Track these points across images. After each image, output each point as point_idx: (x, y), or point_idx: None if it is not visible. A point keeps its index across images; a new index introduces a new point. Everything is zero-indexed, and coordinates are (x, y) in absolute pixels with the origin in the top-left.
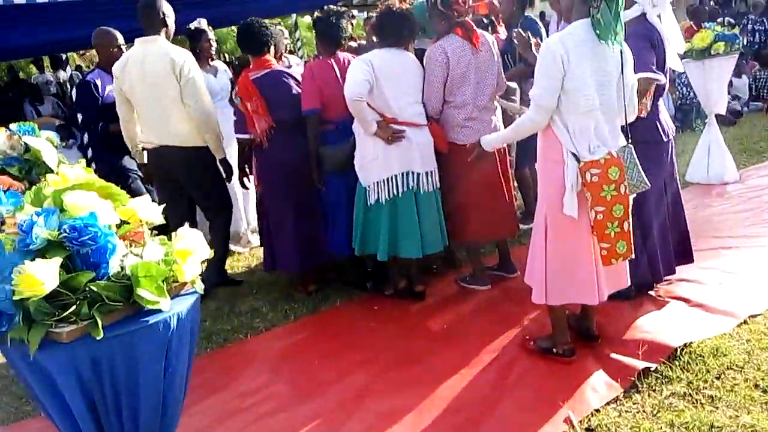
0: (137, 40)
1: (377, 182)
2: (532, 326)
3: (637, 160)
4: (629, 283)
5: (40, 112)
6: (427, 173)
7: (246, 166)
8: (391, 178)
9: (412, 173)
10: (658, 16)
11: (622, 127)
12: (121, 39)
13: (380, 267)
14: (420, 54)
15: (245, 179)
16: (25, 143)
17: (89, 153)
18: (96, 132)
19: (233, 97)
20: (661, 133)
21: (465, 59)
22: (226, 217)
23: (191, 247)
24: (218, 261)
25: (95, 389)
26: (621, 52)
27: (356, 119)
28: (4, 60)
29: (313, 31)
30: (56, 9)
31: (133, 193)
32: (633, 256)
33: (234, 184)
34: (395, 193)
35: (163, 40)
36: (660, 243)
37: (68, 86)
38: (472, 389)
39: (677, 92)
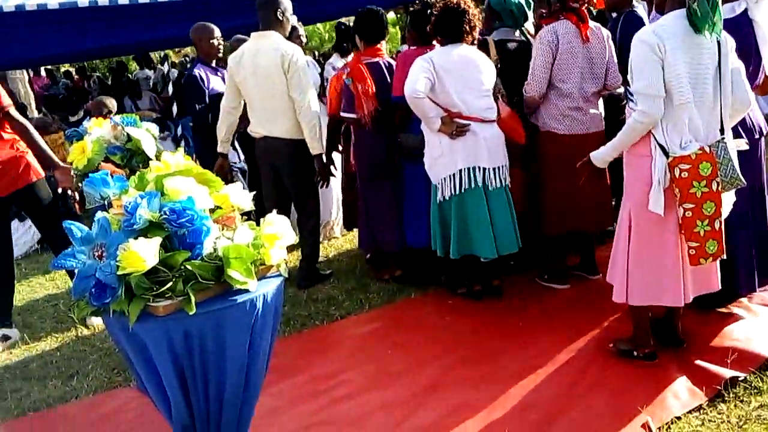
0: (253, 35)
1: (444, 178)
2: (612, 328)
3: (732, 156)
4: (719, 287)
5: (138, 107)
6: (495, 169)
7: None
8: (457, 173)
9: (479, 168)
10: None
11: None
12: (218, 32)
13: (456, 262)
14: (501, 45)
15: (332, 167)
16: (128, 134)
17: (182, 143)
18: (206, 123)
19: (345, 77)
20: (742, 131)
21: (575, 46)
22: (316, 219)
23: (278, 232)
24: (310, 262)
25: (185, 361)
26: (719, 44)
27: (419, 117)
28: (105, 57)
29: (401, 25)
30: (158, 8)
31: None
32: (725, 257)
33: None
34: (461, 189)
35: (277, 36)
36: (758, 248)
37: (163, 82)
38: (545, 389)
39: None
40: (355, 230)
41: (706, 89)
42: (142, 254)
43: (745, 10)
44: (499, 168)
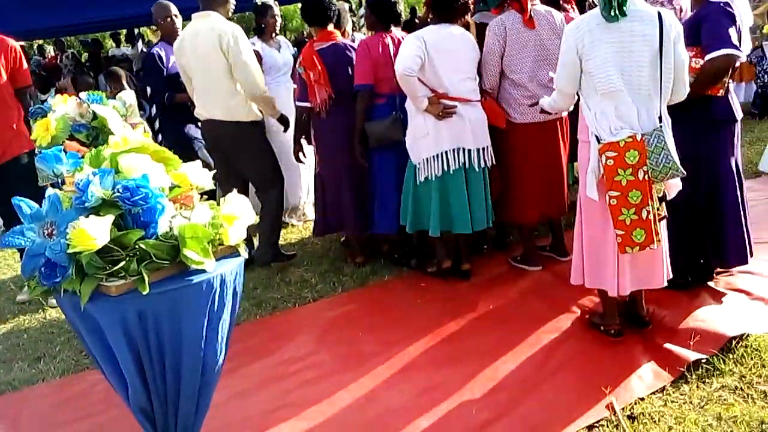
0: (193, 16)
1: (427, 159)
2: (582, 310)
3: (668, 145)
4: (665, 283)
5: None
6: (479, 150)
7: (303, 136)
8: (442, 155)
9: (463, 149)
10: None
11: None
12: (174, 10)
13: (425, 245)
14: (482, 28)
15: (300, 154)
16: (93, 111)
17: (156, 124)
18: (162, 102)
19: (297, 66)
20: (735, 112)
21: (522, 35)
22: (276, 197)
23: (237, 212)
24: (269, 239)
25: (141, 342)
26: (661, 30)
27: (407, 95)
28: (80, 33)
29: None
30: None
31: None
32: (655, 247)
33: (291, 157)
34: (445, 169)
35: (216, 16)
36: (739, 227)
37: (139, 60)
38: (516, 369)
39: (759, 79)
40: None
41: (641, 76)
42: (92, 232)
43: None
44: (482, 149)
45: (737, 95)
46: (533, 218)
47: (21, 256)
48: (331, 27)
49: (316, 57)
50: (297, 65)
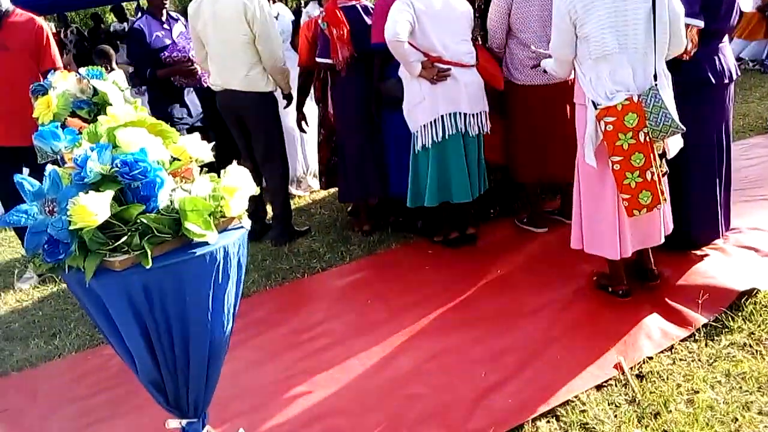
0: None
1: (424, 125)
2: (588, 272)
3: (666, 102)
4: (662, 240)
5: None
6: (474, 114)
7: (318, 98)
8: (438, 119)
9: (460, 114)
10: None
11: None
12: None
13: (433, 210)
14: None
15: (303, 123)
16: (94, 87)
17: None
18: (144, 78)
19: (320, 21)
20: (710, 74)
21: None
22: (281, 173)
23: (238, 183)
24: (282, 221)
25: (147, 315)
26: None
27: (399, 61)
28: (80, 8)
29: None
30: None
31: None
32: (662, 206)
33: (289, 129)
34: (442, 135)
35: None
36: (709, 197)
37: None
38: (523, 332)
39: None
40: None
41: (637, 35)
42: (92, 208)
43: None
44: (479, 114)
45: (752, 53)
46: (533, 179)
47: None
48: None
49: (340, 13)
50: (320, 21)
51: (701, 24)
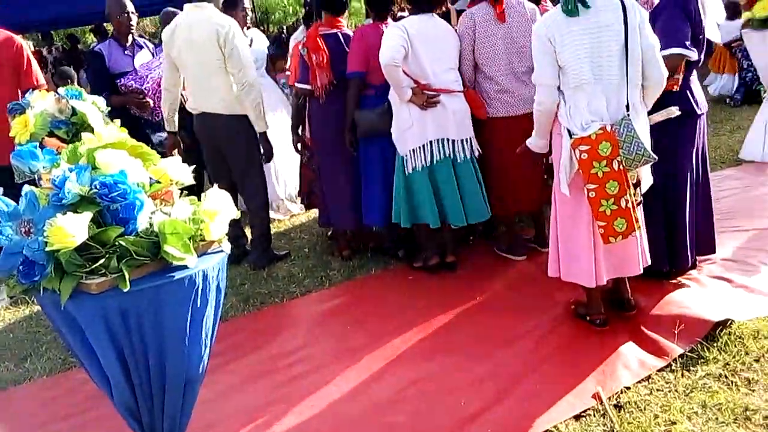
0: (186, 6)
1: (413, 150)
2: (566, 300)
3: (639, 132)
4: (641, 271)
5: None
6: (463, 140)
7: (300, 126)
8: (427, 145)
9: (448, 140)
10: None
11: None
12: (130, 7)
13: (412, 237)
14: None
15: (299, 144)
16: (73, 107)
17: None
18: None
19: (300, 48)
20: (694, 105)
21: (491, 28)
22: (262, 198)
23: (219, 207)
24: (262, 244)
25: (124, 339)
26: (625, 21)
27: (391, 85)
28: (58, 28)
29: (362, 1)
30: None
31: None
32: (637, 234)
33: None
34: (431, 160)
35: (212, 8)
36: (690, 227)
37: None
38: (503, 360)
39: (743, 70)
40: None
41: (611, 68)
42: (70, 230)
43: None
44: (466, 140)
45: (720, 86)
46: (509, 210)
47: None
48: (341, 17)
49: (321, 40)
50: (300, 47)
51: (695, 56)
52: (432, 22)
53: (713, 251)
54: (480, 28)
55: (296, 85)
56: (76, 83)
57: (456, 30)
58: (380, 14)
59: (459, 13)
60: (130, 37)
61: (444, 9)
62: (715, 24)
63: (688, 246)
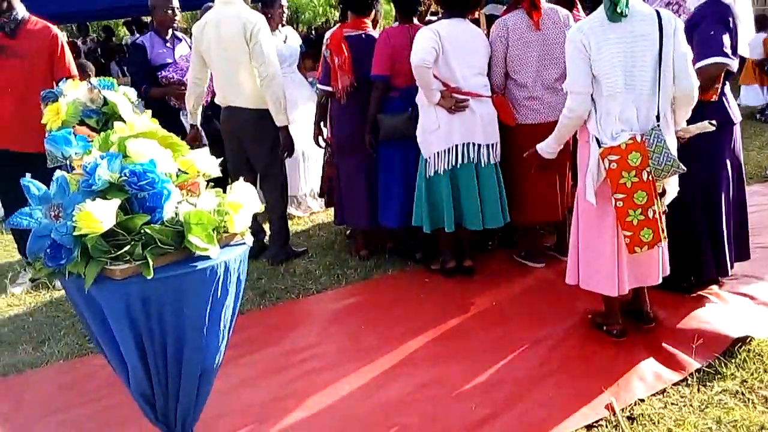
0: (217, 2)
1: (437, 153)
2: (584, 309)
3: (668, 143)
4: (660, 280)
5: (125, 72)
6: (488, 145)
7: (321, 123)
8: (452, 149)
9: (473, 144)
10: None
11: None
12: (175, 2)
13: (431, 239)
14: (492, 20)
15: (320, 137)
16: (104, 97)
17: None
18: (139, 93)
19: (324, 50)
20: (731, 114)
21: (525, 36)
22: (282, 193)
23: (243, 200)
24: (280, 239)
25: (143, 326)
26: (661, 30)
27: (420, 87)
28: (95, 20)
29: (392, 3)
30: None
31: None
32: (663, 244)
33: (297, 149)
34: (454, 164)
35: (240, 4)
36: (728, 234)
37: None
38: (516, 367)
39: None
40: None
41: (645, 77)
42: (98, 215)
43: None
44: (492, 145)
45: (754, 97)
46: (533, 219)
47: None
48: (367, 18)
49: (344, 44)
50: (324, 49)
51: (735, 64)
52: (463, 26)
53: (749, 257)
54: (513, 35)
55: (318, 86)
56: (94, 75)
57: (488, 35)
58: (407, 16)
59: (488, 18)
60: (170, 31)
61: (476, 15)
62: (745, 38)
63: (727, 254)
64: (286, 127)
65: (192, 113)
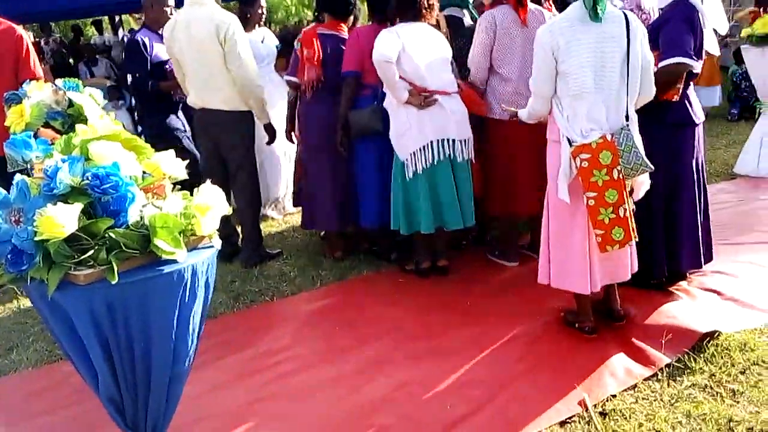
0: (186, 2)
1: (413, 153)
2: (557, 307)
3: (636, 142)
4: (629, 277)
5: (93, 73)
6: (462, 141)
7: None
8: (428, 146)
9: (448, 140)
10: None
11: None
12: (171, 0)
13: (407, 240)
14: (452, 21)
15: (293, 133)
16: (70, 99)
17: (136, 114)
18: (146, 90)
19: (295, 42)
20: (692, 114)
21: (513, 30)
22: (254, 197)
23: (211, 202)
24: (253, 242)
25: (109, 332)
26: (627, 30)
27: (386, 85)
28: (63, 19)
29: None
30: None
31: (184, 151)
32: (633, 243)
33: (274, 150)
34: (432, 161)
35: (211, 4)
36: (692, 233)
37: (121, 48)
38: (490, 365)
39: (733, 83)
40: None
41: (612, 77)
42: (60, 220)
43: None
44: (465, 141)
45: (707, 98)
46: (509, 211)
47: None
48: (344, 23)
49: (316, 39)
50: (295, 42)
51: (698, 66)
52: (422, 28)
53: (712, 258)
54: (501, 28)
55: (285, 77)
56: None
57: (449, 36)
58: (378, 17)
59: (448, 18)
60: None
61: (433, 20)
62: (713, 35)
63: (689, 253)
64: (270, 124)
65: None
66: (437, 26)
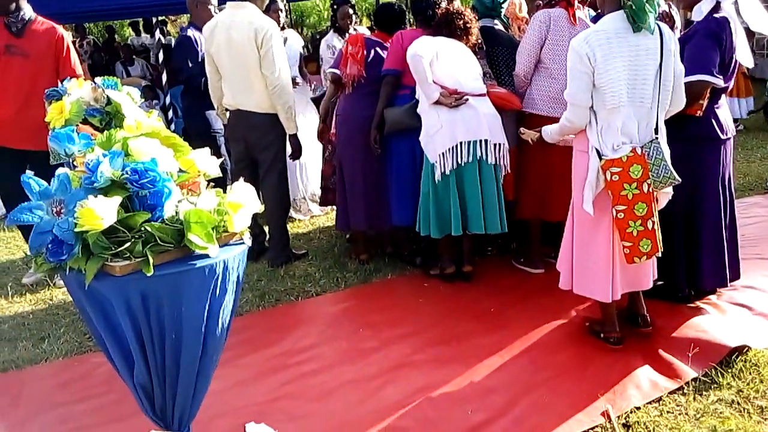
0: (228, 4)
1: (443, 153)
2: (581, 315)
3: (665, 155)
4: (650, 285)
5: (129, 73)
6: (495, 144)
7: (327, 118)
8: (458, 146)
9: (480, 141)
10: (735, 3)
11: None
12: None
13: (432, 245)
14: (484, 31)
15: (323, 135)
16: (108, 96)
17: (170, 114)
18: (198, 86)
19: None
20: (717, 129)
21: (564, 28)
22: (282, 198)
23: (243, 200)
24: (280, 242)
25: (143, 322)
26: (661, 43)
27: (417, 81)
28: (99, 20)
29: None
30: None
31: (217, 151)
32: (659, 254)
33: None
34: (460, 162)
35: (252, 8)
36: (716, 248)
37: (157, 49)
38: (512, 372)
39: None
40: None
41: (646, 90)
42: (99, 212)
43: (711, 13)
44: (498, 145)
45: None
46: (534, 215)
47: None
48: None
49: (362, 40)
50: (344, 41)
51: (721, 83)
52: (457, 44)
53: (738, 277)
54: (555, 24)
55: (327, 69)
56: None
57: (529, 25)
58: (423, 21)
59: (482, 30)
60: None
61: (472, 43)
62: (747, 48)
63: (711, 271)
64: (295, 135)
65: (221, 114)
66: (473, 48)
